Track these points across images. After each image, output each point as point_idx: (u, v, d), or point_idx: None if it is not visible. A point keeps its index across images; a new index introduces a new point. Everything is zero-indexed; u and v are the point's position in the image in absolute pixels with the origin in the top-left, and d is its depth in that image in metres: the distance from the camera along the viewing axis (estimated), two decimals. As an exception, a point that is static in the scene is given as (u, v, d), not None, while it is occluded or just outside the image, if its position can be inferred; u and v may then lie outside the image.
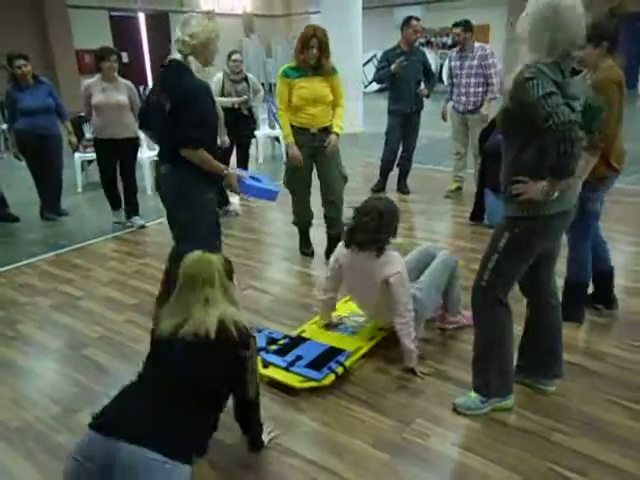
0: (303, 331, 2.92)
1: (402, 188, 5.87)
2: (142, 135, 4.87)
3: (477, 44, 5.23)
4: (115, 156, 4.78)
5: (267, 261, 4.19)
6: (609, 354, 2.71)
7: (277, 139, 8.12)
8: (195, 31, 2.51)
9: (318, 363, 2.55)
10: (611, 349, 2.75)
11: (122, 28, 15.09)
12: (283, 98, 3.72)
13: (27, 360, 2.87)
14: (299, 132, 3.74)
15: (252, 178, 2.90)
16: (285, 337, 2.82)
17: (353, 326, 2.95)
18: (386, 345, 2.83)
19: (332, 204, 3.92)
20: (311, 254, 4.15)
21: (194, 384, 1.72)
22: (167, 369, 1.76)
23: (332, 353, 2.63)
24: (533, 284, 2.33)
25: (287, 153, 3.91)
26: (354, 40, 9.57)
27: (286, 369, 2.53)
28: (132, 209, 4.99)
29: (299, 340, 2.78)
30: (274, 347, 2.71)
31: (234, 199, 5.69)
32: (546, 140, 1.86)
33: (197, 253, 1.85)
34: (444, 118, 5.67)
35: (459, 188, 5.71)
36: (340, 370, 2.52)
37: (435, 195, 5.63)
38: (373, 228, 2.55)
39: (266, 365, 2.57)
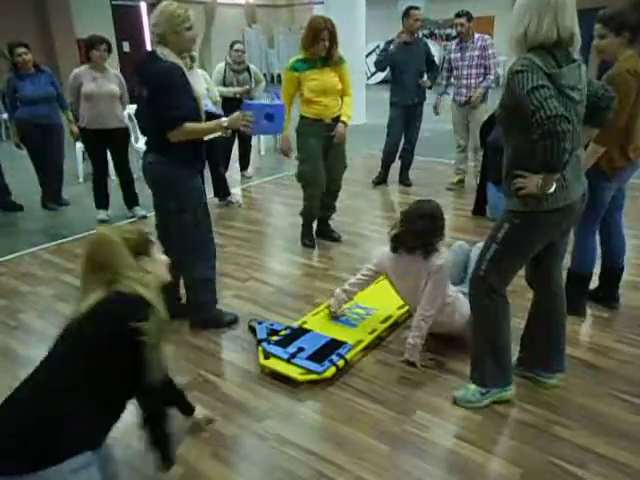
0: (304, 322, 2.92)
1: (404, 180, 5.85)
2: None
3: (477, 35, 5.18)
4: (106, 147, 4.69)
5: (269, 252, 4.18)
6: (611, 348, 2.70)
7: (279, 130, 8.06)
8: (156, 21, 2.50)
9: (320, 355, 2.55)
10: (613, 343, 2.74)
11: (124, 17, 14.99)
12: (287, 91, 3.76)
13: (28, 349, 2.87)
14: (314, 123, 3.77)
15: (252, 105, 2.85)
16: (286, 328, 2.81)
17: (355, 318, 2.95)
18: (387, 338, 2.83)
19: (331, 191, 4.11)
20: (313, 246, 4.15)
21: (81, 367, 1.55)
22: (52, 359, 1.62)
23: (334, 346, 2.63)
24: (540, 276, 2.32)
25: (299, 146, 3.90)
26: (357, 31, 9.51)
27: (288, 361, 2.53)
28: (132, 200, 4.95)
29: (300, 331, 2.78)
30: (275, 338, 2.71)
31: (236, 190, 5.67)
32: (535, 134, 1.83)
33: (99, 232, 1.78)
34: (436, 112, 5.62)
35: (461, 181, 5.69)
36: (341, 363, 2.51)
37: (437, 188, 5.61)
38: (426, 232, 2.54)
39: (267, 356, 2.58)
